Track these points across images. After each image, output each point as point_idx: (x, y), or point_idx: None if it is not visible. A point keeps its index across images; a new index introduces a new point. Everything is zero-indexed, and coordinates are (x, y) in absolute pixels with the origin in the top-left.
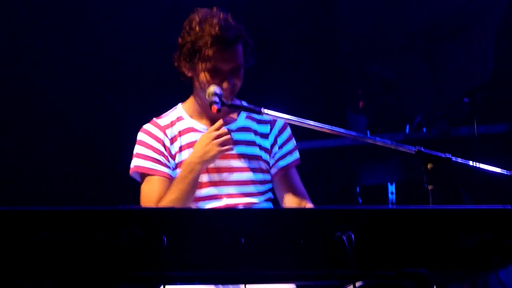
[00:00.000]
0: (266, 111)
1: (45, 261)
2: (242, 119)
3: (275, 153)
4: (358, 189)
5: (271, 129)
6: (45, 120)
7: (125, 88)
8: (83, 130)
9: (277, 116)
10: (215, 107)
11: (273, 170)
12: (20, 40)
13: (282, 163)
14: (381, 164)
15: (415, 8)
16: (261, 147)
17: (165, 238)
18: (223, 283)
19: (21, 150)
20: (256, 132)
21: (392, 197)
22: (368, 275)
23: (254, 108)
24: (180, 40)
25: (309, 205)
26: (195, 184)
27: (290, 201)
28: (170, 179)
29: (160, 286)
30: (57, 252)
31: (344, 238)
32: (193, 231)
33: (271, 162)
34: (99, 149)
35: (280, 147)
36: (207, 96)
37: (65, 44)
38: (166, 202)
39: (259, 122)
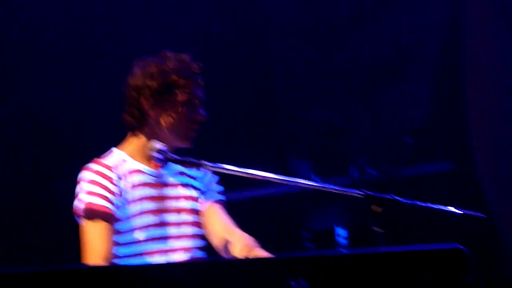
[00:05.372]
0: (206, 163)
1: None
2: (173, 164)
3: (202, 192)
4: (306, 234)
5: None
6: None
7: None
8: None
9: (219, 168)
10: (158, 164)
11: (202, 207)
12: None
13: (210, 199)
14: (326, 208)
15: (348, 51)
16: (195, 188)
17: None
18: None
19: None
20: (190, 176)
21: (340, 239)
22: None
23: (195, 161)
24: (140, 81)
25: (238, 232)
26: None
27: (219, 230)
28: (113, 222)
29: None
30: None
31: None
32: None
33: (200, 201)
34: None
35: (207, 185)
36: (149, 151)
37: None
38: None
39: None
